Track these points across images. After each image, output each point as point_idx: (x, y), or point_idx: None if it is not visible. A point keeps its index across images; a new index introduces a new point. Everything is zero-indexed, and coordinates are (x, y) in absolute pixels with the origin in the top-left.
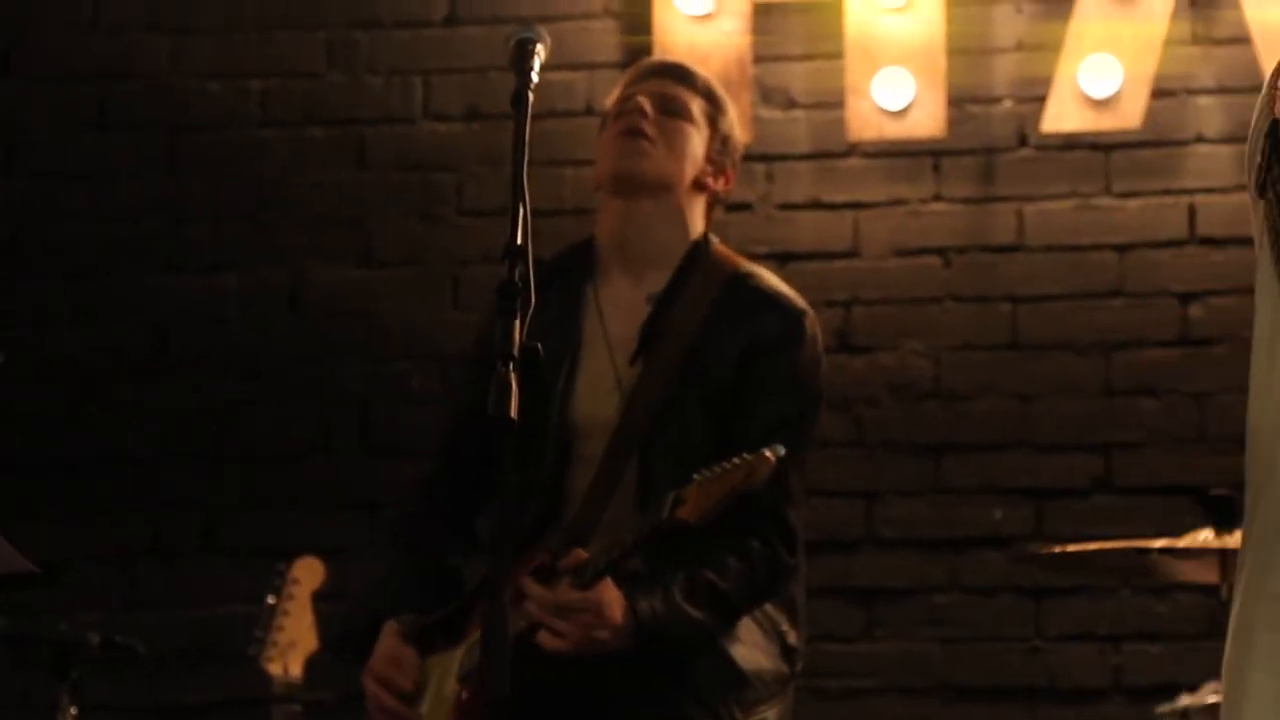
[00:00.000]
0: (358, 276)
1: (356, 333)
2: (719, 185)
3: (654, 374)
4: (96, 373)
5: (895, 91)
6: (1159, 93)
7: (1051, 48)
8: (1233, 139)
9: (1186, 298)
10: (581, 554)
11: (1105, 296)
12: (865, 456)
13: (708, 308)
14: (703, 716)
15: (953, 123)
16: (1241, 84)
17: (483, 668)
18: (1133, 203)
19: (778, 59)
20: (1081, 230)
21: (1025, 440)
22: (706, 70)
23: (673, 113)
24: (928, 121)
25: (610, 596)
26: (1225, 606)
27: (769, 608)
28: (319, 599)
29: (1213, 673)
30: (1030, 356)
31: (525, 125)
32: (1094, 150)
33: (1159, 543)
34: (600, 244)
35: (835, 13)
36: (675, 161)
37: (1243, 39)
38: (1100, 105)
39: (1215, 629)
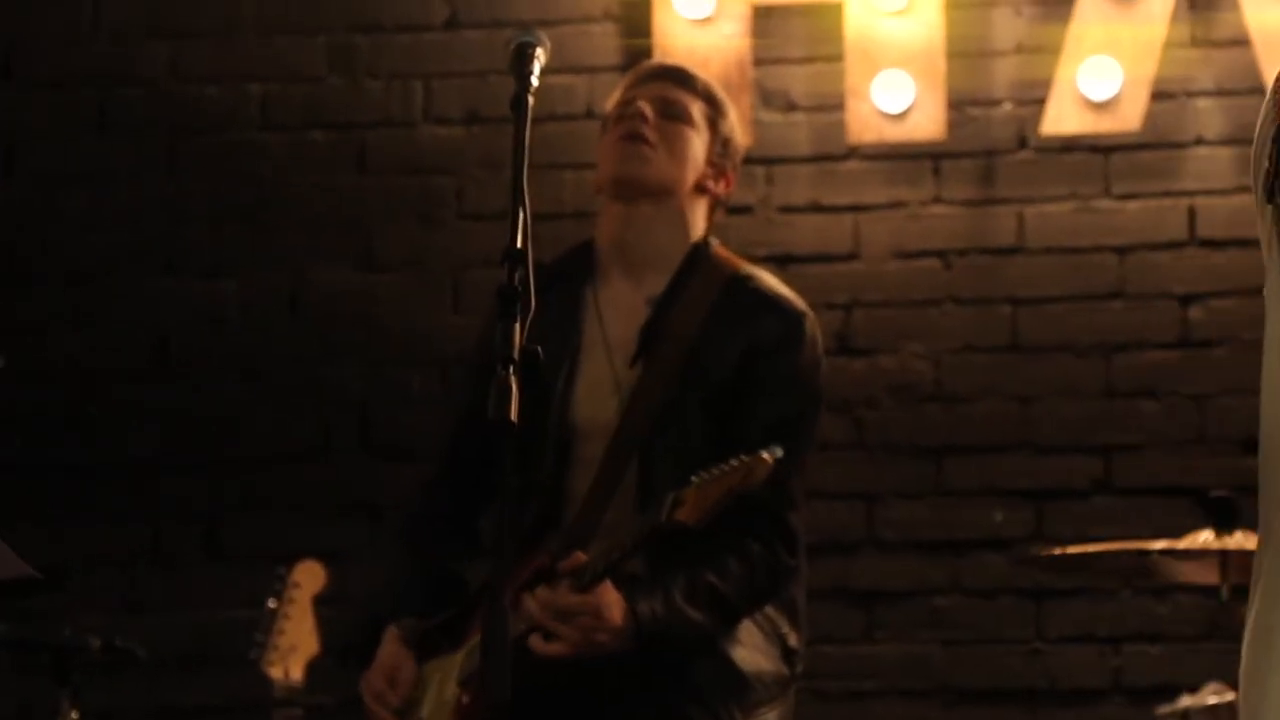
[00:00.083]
0: (358, 280)
1: (356, 336)
2: (720, 189)
3: (654, 376)
4: (96, 376)
5: (895, 94)
6: (1158, 95)
7: (1051, 50)
8: (1232, 141)
9: (1186, 299)
10: (581, 557)
11: (1105, 298)
12: (866, 459)
13: (707, 310)
14: (703, 718)
15: (953, 125)
16: (1241, 86)
17: (483, 671)
18: (1132, 205)
19: (777, 62)
20: (1081, 232)
21: (1026, 442)
22: (706, 73)
23: (673, 116)
24: (928, 124)
25: (610, 599)
26: (1225, 608)
27: (769, 610)
28: (320, 603)
29: (1213, 674)
30: (1030, 358)
31: (525, 129)
32: (1094, 152)
33: (1159, 544)
34: (600, 247)
35: (835, 16)
36: (676, 166)
37: (1242, 41)
38: (1100, 107)
39: (1215, 630)
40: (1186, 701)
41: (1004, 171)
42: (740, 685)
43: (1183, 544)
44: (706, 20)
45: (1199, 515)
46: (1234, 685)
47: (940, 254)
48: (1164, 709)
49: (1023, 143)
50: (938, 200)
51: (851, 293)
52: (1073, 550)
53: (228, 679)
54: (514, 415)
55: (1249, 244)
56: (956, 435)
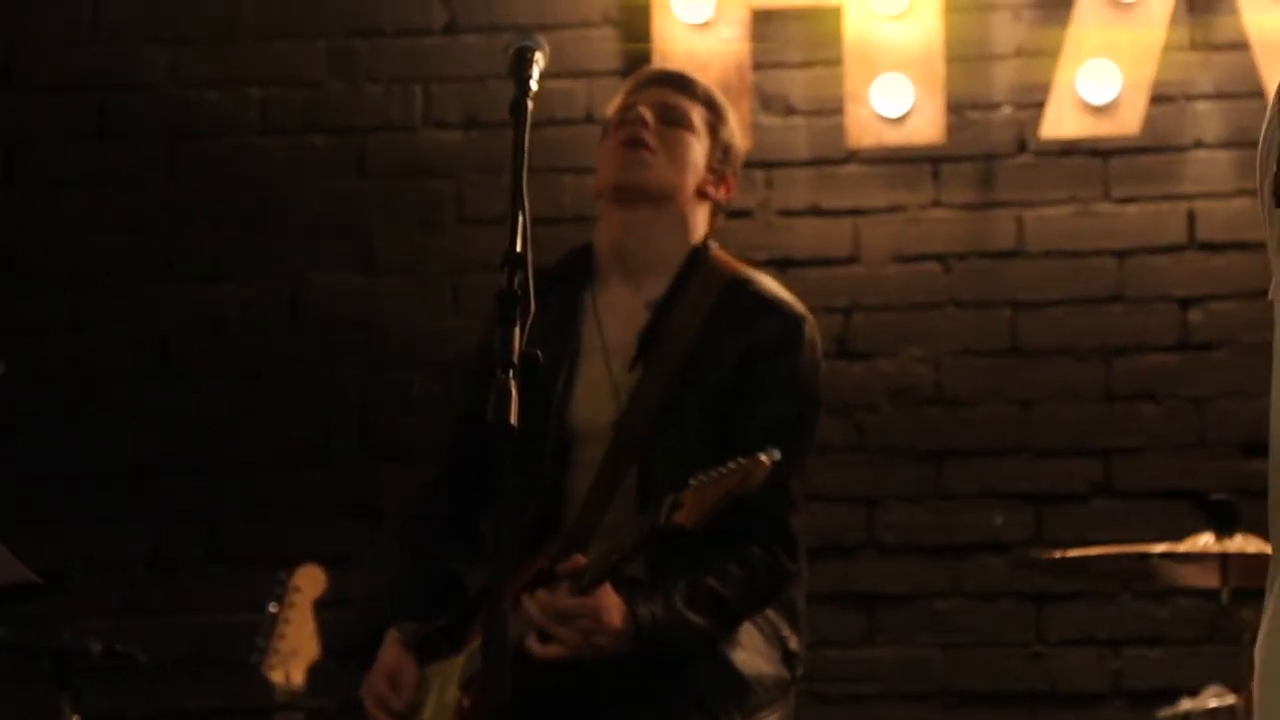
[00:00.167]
0: (358, 284)
1: (356, 340)
2: (720, 194)
3: (653, 379)
4: (97, 378)
5: (894, 98)
6: (1158, 98)
7: (1050, 54)
8: (1231, 144)
9: (1186, 303)
10: (580, 559)
11: (1105, 302)
12: (866, 462)
13: (706, 313)
14: None
15: (952, 129)
16: (1240, 89)
17: (484, 674)
18: (1132, 208)
19: (777, 66)
20: (1081, 236)
21: (1025, 445)
22: (706, 78)
23: (674, 122)
24: (927, 128)
25: (609, 602)
26: (1225, 611)
27: (770, 613)
28: (320, 607)
29: (1213, 677)
30: (1030, 362)
31: (524, 133)
32: (1093, 156)
33: (1159, 547)
34: (599, 251)
35: (834, 20)
36: (676, 171)
37: (1241, 45)
38: (1099, 111)
39: (1215, 633)
40: (1187, 705)
41: (1003, 175)
42: (740, 688)
43: (1183, 547)
44: (706, 25)
45: (1199, 518)
46: (1235, 688)
47: (940, 257)
48: (1164, 712)
49: (1022, 146)
50: (937, 204)
51: (851, 296)
52: (1073, 553)
53: (228, 683)
54: (514, 419)
55: (1248, 247)
56: (956, 438)
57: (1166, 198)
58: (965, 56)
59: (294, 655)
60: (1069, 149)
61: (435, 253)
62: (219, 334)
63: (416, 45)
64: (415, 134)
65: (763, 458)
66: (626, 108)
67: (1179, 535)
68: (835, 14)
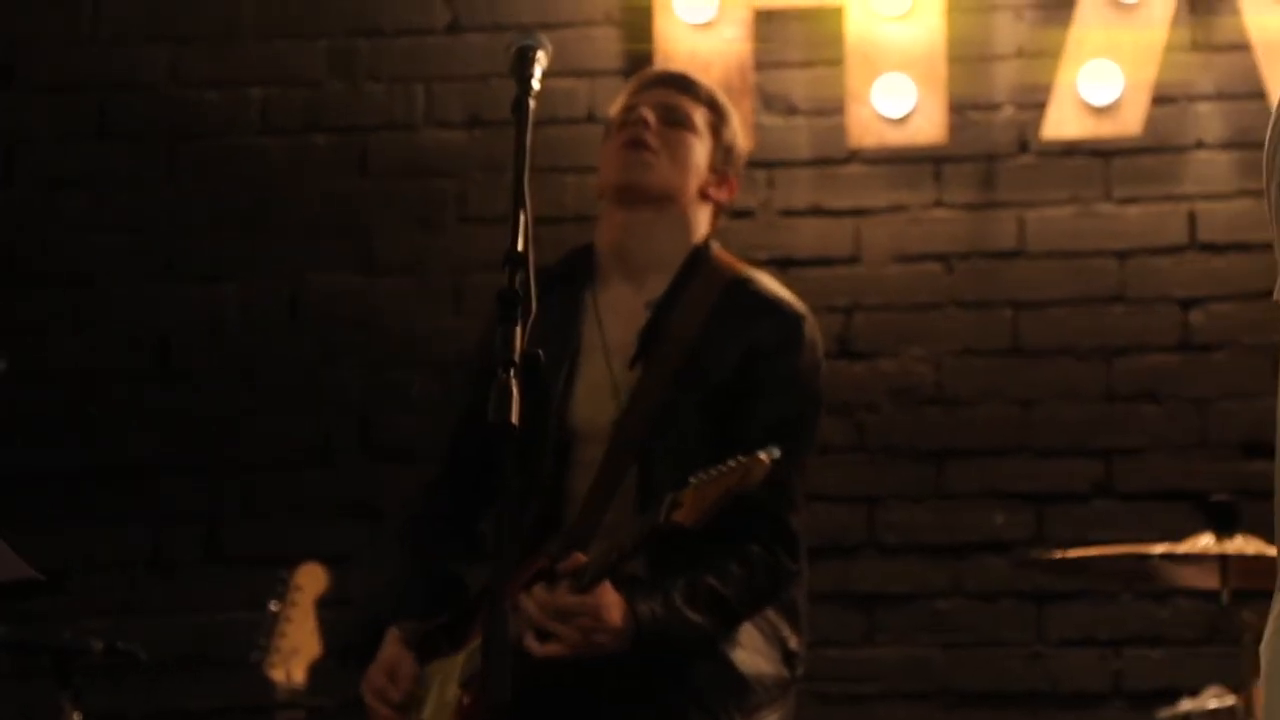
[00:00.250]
0: (358, 284)
1: (357, 340)
2: (722, 195)
3: (653, 379)
4: (97, 378)
5: (896, 98)
6: (1159, 99)
7: (1052, 54)
8: (1233, 145)
9: (1187, 303)
10: (580, 558)
11: (1106, 302)
12: (867, 462)
13: (707, 313)
14: None
15: (953, 129)
16: (1241, 91)
17: (484, 673)
18: (1133, 209)
19: (778, 66)
20: (1082, 236)
21: (1026, 445)
22: (708, 78)
23: (676, 123)
24: (928, 128)
25: (609, 600)
26: (1226, 612)
27: (770, 613)
28: (321, 605)
29: (1214, 677)
30: (1031, 362)
31: (526, 132)
32: (1094, 156)
33: (1160, 548)
34: (600, 251)
35: (836, 20)
36: (678, 173)
37: (1242, 45)
38: (1101, 112)
39: (1216, 634)
40: (1187, 705)
41: (1005, 175)
42: (740, 688)
43: (1183, 548)
44: (708, 25)
45: (1199, 519)
46: (1235, 689)
47: (941, 258)
48: (1164, 713)
49: (1023, 147)
50: (939, 204)
51: (852, 296)
52: (1073, 554)
53: (229, 681)
54: (514, 418)
55: (1249, 248)
56: (957, 438)
57: (1168, 198)
58: (967, 57)
59: (295, 654)
60: (1070, 149)
61: (436, 252)
62: (219, 334)
63: (418, 44)
64: (417, 133)
65: (762, 456)
66: (629, 109)
67: (1179, 536)
68: (837, 14)
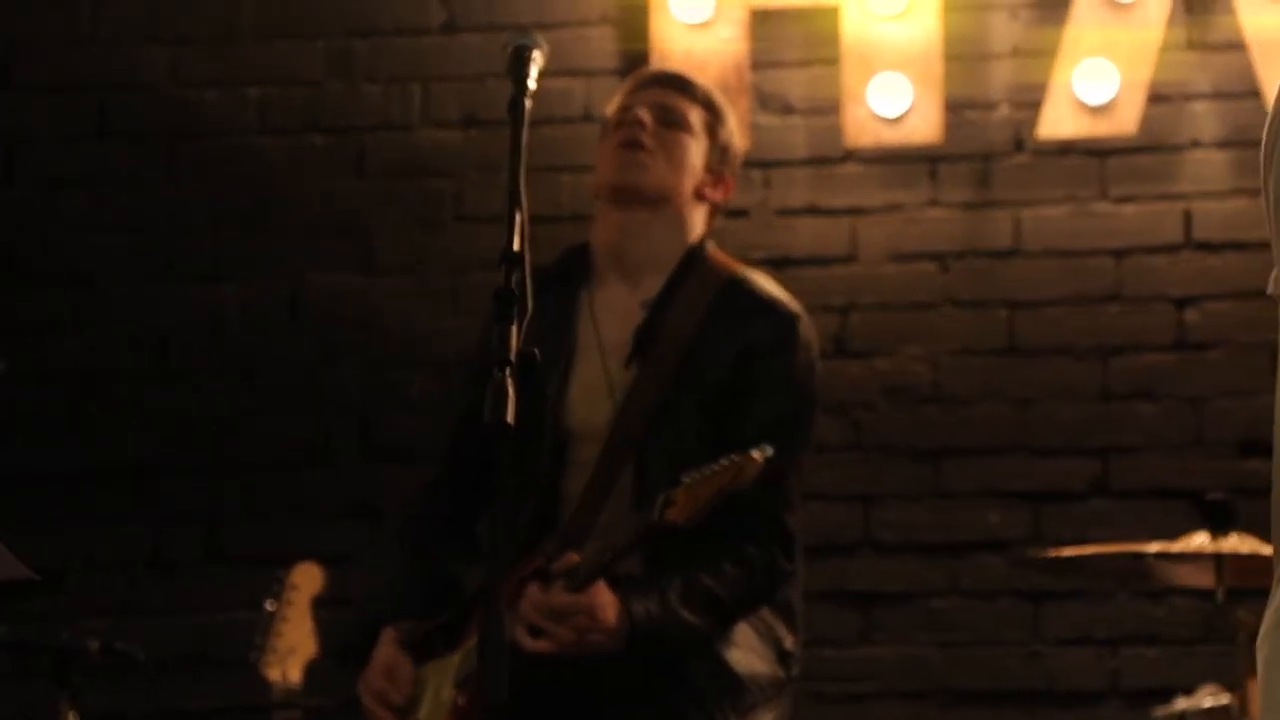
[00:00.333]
0: (357, 283)
1: (356, 340)
2: (718, 195)
3: (648, 378)
4: (96, 378)
5: (892, 97)
6: (1155, 98)
7: (1047, 53)
8: (1228, 144)
9: (1183, 302)
10: (573, 557)
11: (1102, 301)
12: (863, 461)
13: (702, 312)
14: None
15: (949, 128)
16: (1237, 89)
17: (480, 673)
18: (1129, 208)
19: (775, 65)
20: (1078, 235)
21: (1023, 444)
22: (704, 77)
23: (672, 124)
24: (924, 127)
25: (604, 599)
26: (1221, 610)
27: (765, 613)
28: (318, 605)
29: (1209, 676)
30: (1027, 361)
31: (522, 132)
32: (1090, 156)
33: (1156, 547)
34: (596, 251)
35: (832, 19)
36: (674, 173)
37: (1238, 44)
38: (1096, 111)
39: (1211, 633)
40: (1183, 704)
41: (1001, 174)
42: (735, 688)
43: (1179, 546)
44: (704, 24)
45: (1195, 517)
46: (1230, 687)
47: (937, 257)
48: (1160, 711)
49: (1019, 146)
50: (935, 203)
51: (849, 295)
52: (1070, 552)
53: (227, 681)
54: (510, 418)
55: (1245, 247)
56: (954, 437)
57: (1163, 197)
58: (963, 56)
59: (291, 653)
60: (1066, 148)
61: (435, 252)
62: (219, 334)
63: (415, 44)
64: (414, 133)
65: (754, 454)
66: (625, 109)
67: (1175, 534)
68: (833, 14)
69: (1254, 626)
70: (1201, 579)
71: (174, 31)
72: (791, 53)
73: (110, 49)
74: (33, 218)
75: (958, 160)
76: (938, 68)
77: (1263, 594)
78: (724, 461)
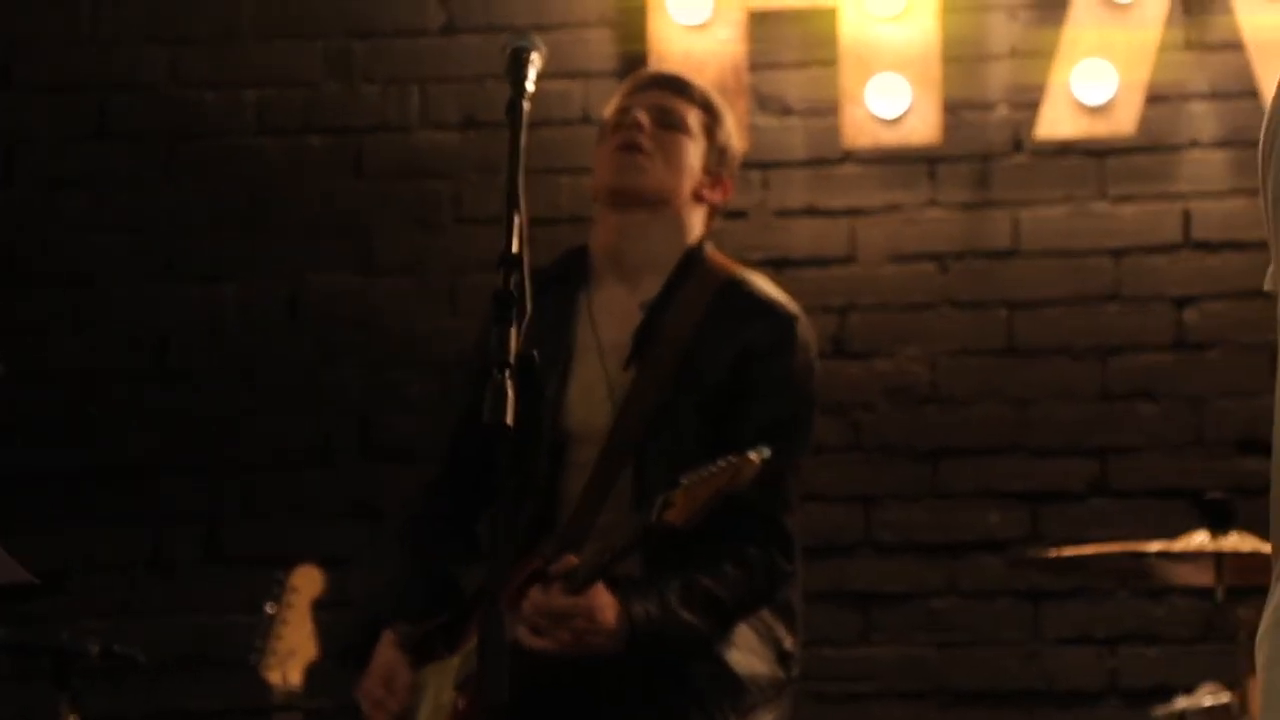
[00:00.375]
0: (356, 284)
1: (355, 340)
2: (716, 197)
3: (647, 380)
4: (96, 379)
5: (890, 98)
6: (1153, 98)
7: (1046, 54)
8: (1227, 144)
9: (1181, 302)
10: (572, 559)
11: (1101, 301)
12: (862, 461)
13: (701, 314)
14: None
15: (948, 129)
16: (1235, 89)
17: (480, 675)
18: (1128, 208)
19: (773, 67)
20: (1077, 236)
21: (1022, 445)
22: (702, 79)
23: (670, 125)
24: (923, 128)
25: (603, 601)
26: (1221, 609)
27: (765, 613)
28: (318, 607)
29: (1209, 675)
30: (1026, 361)
31: (520, 134)
32: (1089, 156)
33: (1155, 546)
34: (595, 253)
35: (830, 20)
36: (672, 175)
37: (1236, 45)
38: (1095, 111)
39: (1211, 632)
40: (1182, 703)
41: (999, 175)
42: (735, 688)
43: (1178, 546)
44: (702, 26)
45: (1194, 517)
46: (1230, 686)
47: (936, 257)
48: (1160, 710)
49: (1018, 146)
50: (933, 204)
51: (847, 296)
52: (1069, 552)
53: (227, 683)
54: (509, 419)
55: (1243, 246)
56: (953, 438)
57: (1162, 197)
58: (961, 57)
59: (291, 655)
60: (1065, 149)
61: (434, 253)
62: (219, 334)
63: (413, 46)
64: (412, 134)
65: (752, 456)
66: (622, 111)
67: (1174, 534)
68: (831, 15)
69: (1254, 625)
70: (1201, 578)
71: (174, 31)
72: (789, 54)
73: (110, 49)
74: (33, 218)
75: (956, 161)
76: (936, 68)
77: (1263, 592)
78: (721, 463)
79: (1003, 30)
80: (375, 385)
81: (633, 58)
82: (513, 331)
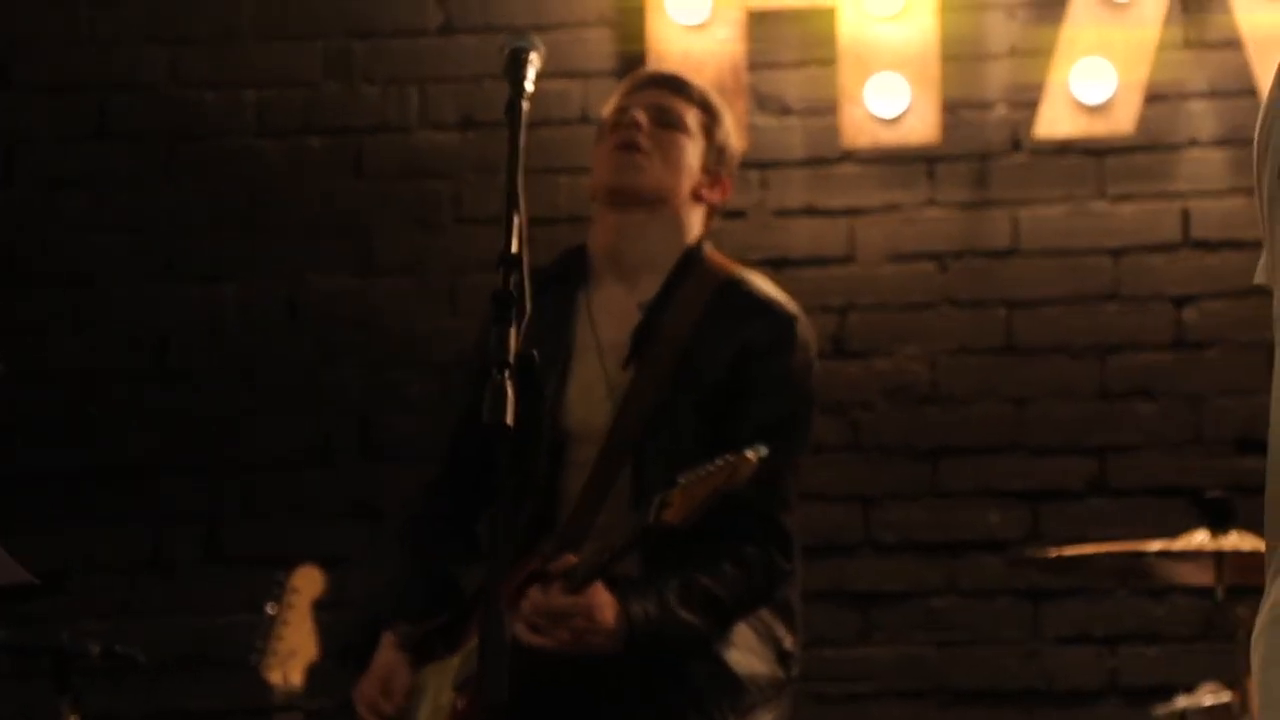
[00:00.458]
0: (356, 285)
1: (355, 341)
2: (715, 196)
3: (646, 379)
4: (96, 379)
5: (889, 98)
6: (1152, 97)
7: (1044, 53)
8: (1225, 143)
9: (1180, 301)
10: (570, 559)
11: (1100, 300)
12: (862, 461)
13: (700, 313)
14: None
15: (946, 128)
16: (1234, 88)
17: (480, 675)
18: (1126, 207)
19: (772, 66)
20: (1076, 235)
21: (1021, 444)
22: (701, 78)
23: (668, 125)
24: (922, 127)
25: (602, 600)
26: (1221, 608)
27: (764, 613)
28: (319, 607)
29: (1209, 674)
30: (1026, 360)
31: (519, 133)
32: (1087, 155)
33: (1154, 545)
34: (593, 252)
35: (828, 20)
36: (670, 175)
37: (1234, 43)
38: (1093, 110)
39: (1211, 631)
40: (1183, 702)
41: (998, 174)
42: (734, 688)
43: (1178, 545)
44: (701, 26)
45: (1194, 516)
46: (1230, 685)
47: (935, 256)
48: (1160, 709)
49: (1016, 145)
50: (932, 203)
51: (846, 295)
52: (1068, 551)
53: (228, 683)
54: (509, 419)
55: (1242, 245)
56: (952, 437)
57: (1161, 196)
58: (960, 56)
59: (292, 656)
60: (1063, 148)
61: (433, 253)
62: (218, 334)
63: (412, 46)
64: (411, 134)
65: (749, 454)
66: (621, 110)
67: (1174, 533)
68: (830, 14)
69: (1253, 624)
70: (1201, 577)
71: (174, 32)
72: (788, 53)
73: (110, 49)
74: (33, 218)
75: (955, 160)
76: (935, 68)
77: (1262, 591)
78: (718, 462)
79: (1001, 29)
80: (375, 385)
81: (632, 57)
82: (512, 331)
